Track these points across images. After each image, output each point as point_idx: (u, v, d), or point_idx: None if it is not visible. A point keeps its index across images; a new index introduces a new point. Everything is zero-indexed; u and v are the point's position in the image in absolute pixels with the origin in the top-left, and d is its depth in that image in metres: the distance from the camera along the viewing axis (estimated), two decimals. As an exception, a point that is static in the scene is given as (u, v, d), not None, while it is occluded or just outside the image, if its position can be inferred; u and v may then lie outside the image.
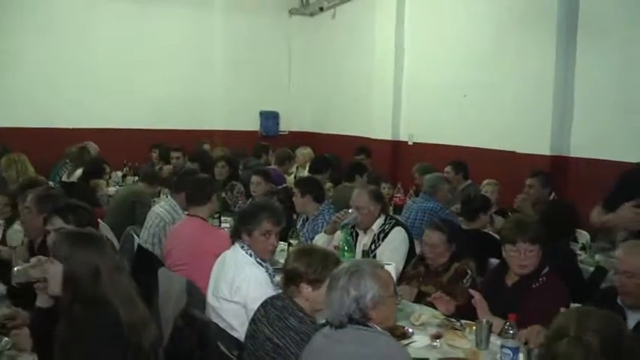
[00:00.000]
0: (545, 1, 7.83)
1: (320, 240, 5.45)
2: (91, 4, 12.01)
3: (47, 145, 10.34)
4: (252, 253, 4.02)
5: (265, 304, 3.33)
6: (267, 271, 3.98)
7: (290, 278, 3.29)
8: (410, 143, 10.76)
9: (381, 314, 2.80)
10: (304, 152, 10.90)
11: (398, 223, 5.38)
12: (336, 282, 2.81)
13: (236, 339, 3.67)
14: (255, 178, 7.31)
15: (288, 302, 3.25)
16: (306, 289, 3.24)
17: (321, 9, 12.80)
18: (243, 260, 3.99)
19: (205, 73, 12.97)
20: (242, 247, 4.07)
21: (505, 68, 8.61)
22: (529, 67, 8.09)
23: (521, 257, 3.93)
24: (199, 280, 4.47)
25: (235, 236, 4.20)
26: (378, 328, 2.79)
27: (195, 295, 4.37)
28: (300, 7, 13.72)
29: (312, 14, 13.57)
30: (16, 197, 5.38)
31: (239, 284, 3.85)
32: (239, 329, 3.70)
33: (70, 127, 11.60)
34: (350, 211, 5.32)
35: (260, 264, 3.95)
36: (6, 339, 3.23)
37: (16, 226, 5.31)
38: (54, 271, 2.86)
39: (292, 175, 9.75)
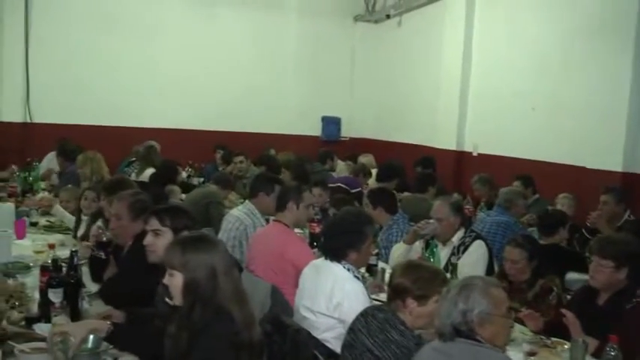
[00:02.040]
0: (623, 10, 7.59)
1: (398, 250, 5.46)
2: (161, 4, 12.24)
3: (112, 143, 10.43)
4: (350, 268, 3.90)
5: (365, 315, 3.33)
6: (363, 284, 3.95)
7: (396, 293, 3.30)
8: (474, 154, 10.61)
9: (488, 332, 2.77)
10: (365, 160, 10.94)
11: (479, 237, 5.37)
12: (448, 293, 2.86)
13: (328, 348, 3.69)
14: (316, 190, 7.22)
15: (391, 315, 3.25)
16: (412, 304, 3.23)
17: (388, 16, 12.69)
18: (343, 276, 3.86)
19: (269, 76, 13.04)
20: (339, 262, 3.95)
21: (576, 79, 8.39)
22: (602, 79, 7.86)
23: (592, 269, 4.08)
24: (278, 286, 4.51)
25: (337, 258, 3.95)
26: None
27: (280, 301, 4.40)
28: (366, 13, 13.61)
29: (377, 21, 13.49)
30: (100, 194, 5.52)
31: (339, 301, 3.79)
32: (332, 342, 3.71)
33: (135, 125, 11.79)
34: (431, 221, 5.33)
35: (357, 278, 3.91)
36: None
37: (100, 223, 5.44)
38: (174, 283, 2.87)
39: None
